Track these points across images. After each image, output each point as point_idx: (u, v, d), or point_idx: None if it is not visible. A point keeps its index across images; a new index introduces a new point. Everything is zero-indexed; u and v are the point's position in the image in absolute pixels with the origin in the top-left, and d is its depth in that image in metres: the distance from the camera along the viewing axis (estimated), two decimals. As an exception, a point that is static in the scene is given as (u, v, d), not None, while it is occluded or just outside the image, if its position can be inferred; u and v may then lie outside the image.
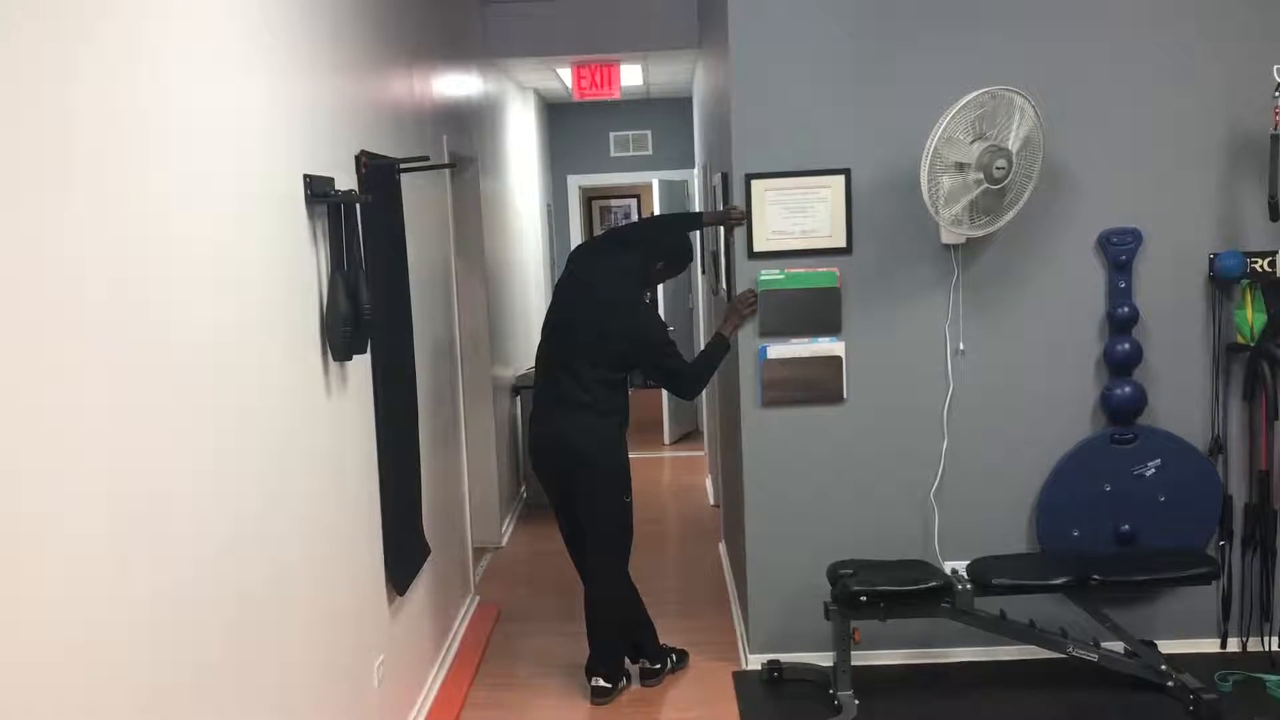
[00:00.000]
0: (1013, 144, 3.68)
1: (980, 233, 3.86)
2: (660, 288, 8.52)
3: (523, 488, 7.11)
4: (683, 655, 4.39)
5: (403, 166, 3.72)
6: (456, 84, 5.25)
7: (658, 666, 4.26)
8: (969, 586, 3.84)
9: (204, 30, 2.31)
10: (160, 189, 2.08)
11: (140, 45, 2.03)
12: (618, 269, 4.11)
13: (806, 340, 4.13)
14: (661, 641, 4.33)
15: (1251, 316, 4.00)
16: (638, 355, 4.05)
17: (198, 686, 2.16)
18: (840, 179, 4.05)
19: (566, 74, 7.45)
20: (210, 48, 2.34)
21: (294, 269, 2.78)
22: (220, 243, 2.34)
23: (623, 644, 4.19)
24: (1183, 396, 4.10)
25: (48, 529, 1.68)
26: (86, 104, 1.83)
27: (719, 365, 4.16)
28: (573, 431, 4.00)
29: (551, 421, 4.06)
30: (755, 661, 4.26)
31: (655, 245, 4.19)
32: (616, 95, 7.35)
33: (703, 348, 4.25)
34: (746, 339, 4.16)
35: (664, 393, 8.61)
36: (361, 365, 3.30)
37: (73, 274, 1.76)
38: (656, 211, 8.55)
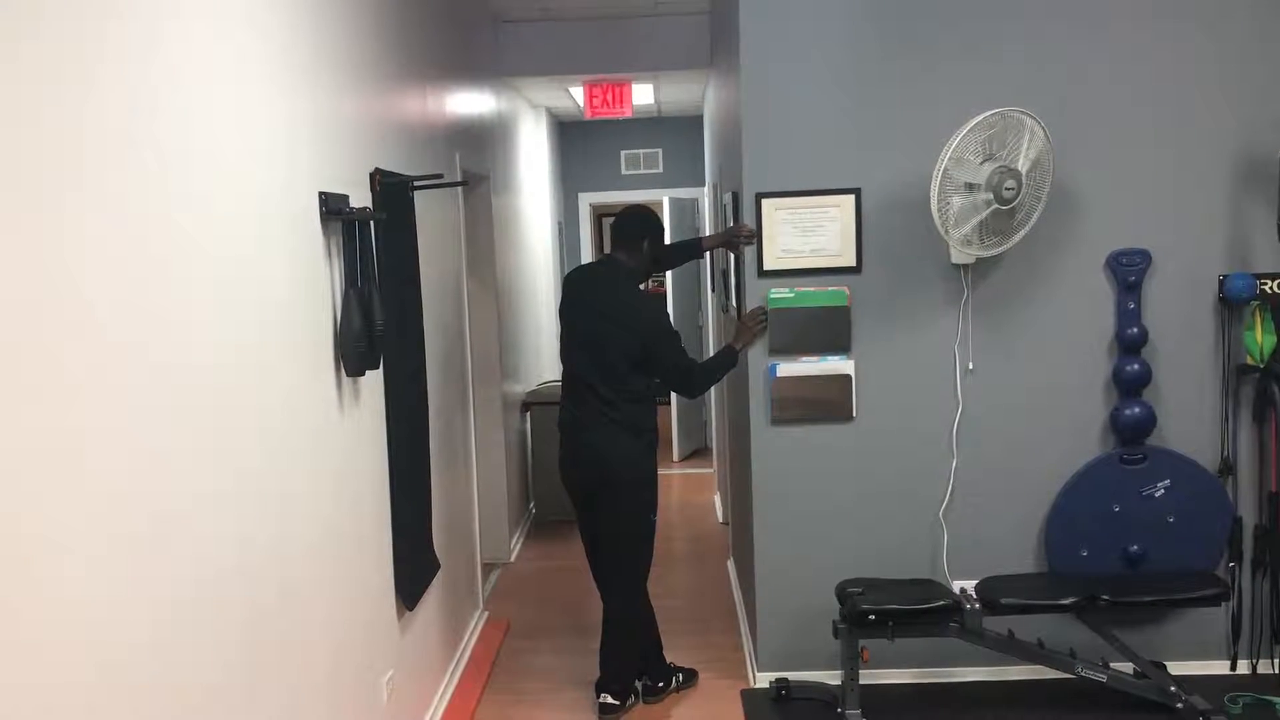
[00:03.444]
0: (1022, 165, 3.70)
1: (990, 253, 3.87)
2: (669, 305, 8.55)
3: (531, 503, 7.12)
4: (691, 675, 4.38)
5: (416, 184, 3.75)
6: (469, 102, 5.29)
7: (661, 684, 4.26)
8: (977, 606, 3.84)
9: (223, 48, 2.35)
10: (177, 205, 2.10)
11: (158, 63, 2.06)
12: (620, 273, 4.14)
13: (816, 359, 4.14)
14: (669, 660, 4.34)
15: (1261, 338, 4.00)
16: (652, 347, 4.01)
17: (208, 700, 2.18)
18: (850, 198, 4.07)
19: (578, 92, 7.50)
20: (229, 65, 2.37)
21: (309, 285, 2.81)
22: (236, 258, 2.37)
23: (635, 662, 4.19)
24: (1192, 417, 4.10)
25: (57, 542, 1.69)
26: (105, 119, 1.85)
27: (725, 373, 4.21)
28: (607, 450, 4.02)
29: (587, 438, 4.07)
30: (763, 679, 4.26)
31: (632, 233, 4.17)
32: (628, 114, 7.39)
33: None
34: (756, 357, 4.17)
35: (673, 409, 8.62)
36: (374, 381, 3.32)
37: (89, 287, 1.79)
38: (666, 228, 8.57)
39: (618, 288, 4.11)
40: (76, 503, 1.73)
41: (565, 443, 4.19)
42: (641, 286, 4.28)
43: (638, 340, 4.00)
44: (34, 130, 1.65)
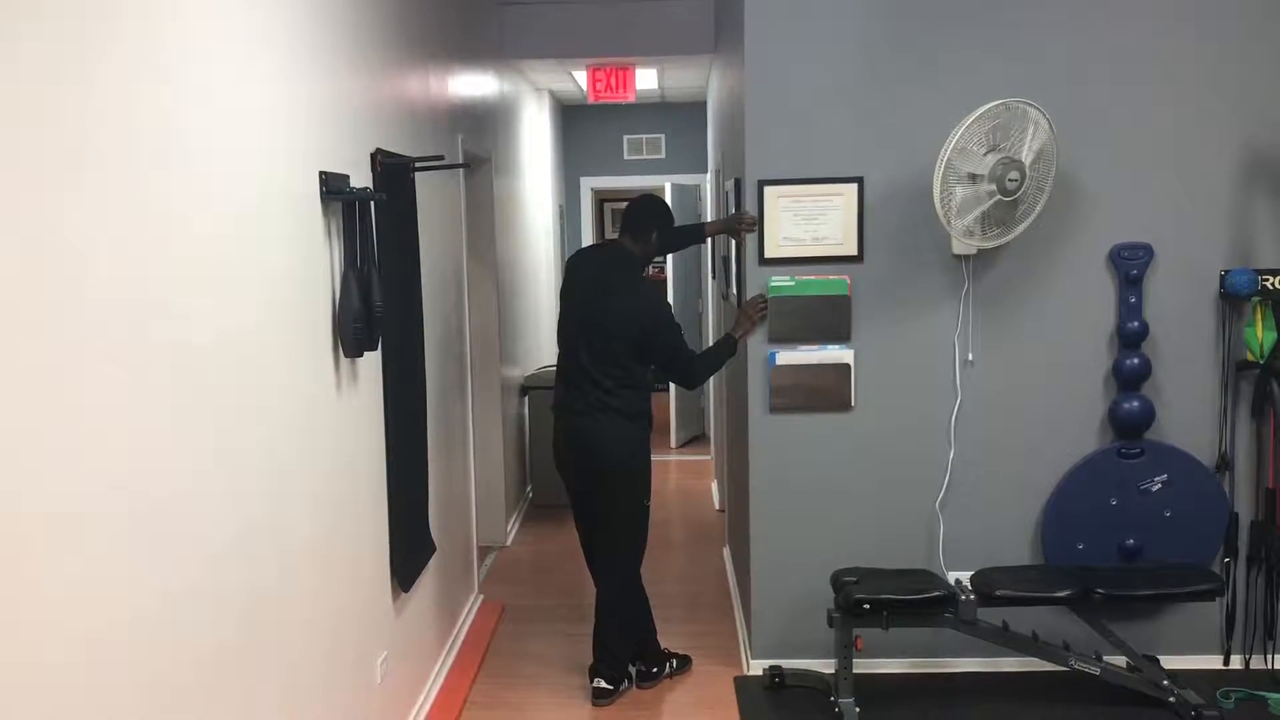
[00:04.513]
0: (1026, 156, 3.69)
1: (992, 244, 3.86)
2: (669, 293, 8.54)
3: (528, 487, 7.12)
4: (684, 660, 4.39)
5: (417, 165, 3.73)
6: (472, 84, 5.27)
7: (655, 670, 4.26)
8: (972, 597, 3.85)
9: (224, 27, 2.33)
10: (176, 184, 2.09)
11: (161, 41, 2.05)
12: (622, 260, 4.13)
13: (816, 347, 4.14)
14: (663, 646, 4.34)
15: (1261, 334, 3.99)
16: (651, 338, 4.02)
17: (205, 681, 2.18)
18: (853, 187, 4.06)
19: (582, 76, 7.47)
20: (230, 44, 2.36)
21: (308, 265, 2.80)
22: (236, 238, 2.36)
23: (628, 647, 4.20)
24: (1191, 412, 4.09)
25: (56, 528, 1.69)
26: (107, 100, 1.84)
27: (723, 363, 4.20)
28: (600, 432, 4.02)
29: (580, 422, 4.07)
30: (757, 667, 4.26)
31: (644, 223, 4.16)
32: (631, 98, 7.36)
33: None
34: (755, 345, 4.17)
35: (671, 396, 8.62)
36: (372, 362, 3.31)
37: (88, 270, 1.78)
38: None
39: (621, 275, 4.10)
40: (75, 484, 1.73)
41: (559, 427, 4.19)
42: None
43: (637, 330, 3.99)
44: (34, 112, 1.64)
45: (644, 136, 9.80)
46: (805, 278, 4.11)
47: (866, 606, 3.77)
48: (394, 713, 3.56)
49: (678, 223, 4.42)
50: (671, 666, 4.33)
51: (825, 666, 4.10)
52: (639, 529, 4.14)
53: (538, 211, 7.92)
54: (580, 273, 4.20)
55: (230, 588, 2.30)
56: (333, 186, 2.91)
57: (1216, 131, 3.98)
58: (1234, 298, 4.00)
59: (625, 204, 4.27)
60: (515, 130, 6.86)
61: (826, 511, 4.20)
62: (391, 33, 3.66)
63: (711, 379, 7.24)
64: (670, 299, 8.68)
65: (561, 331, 4.20)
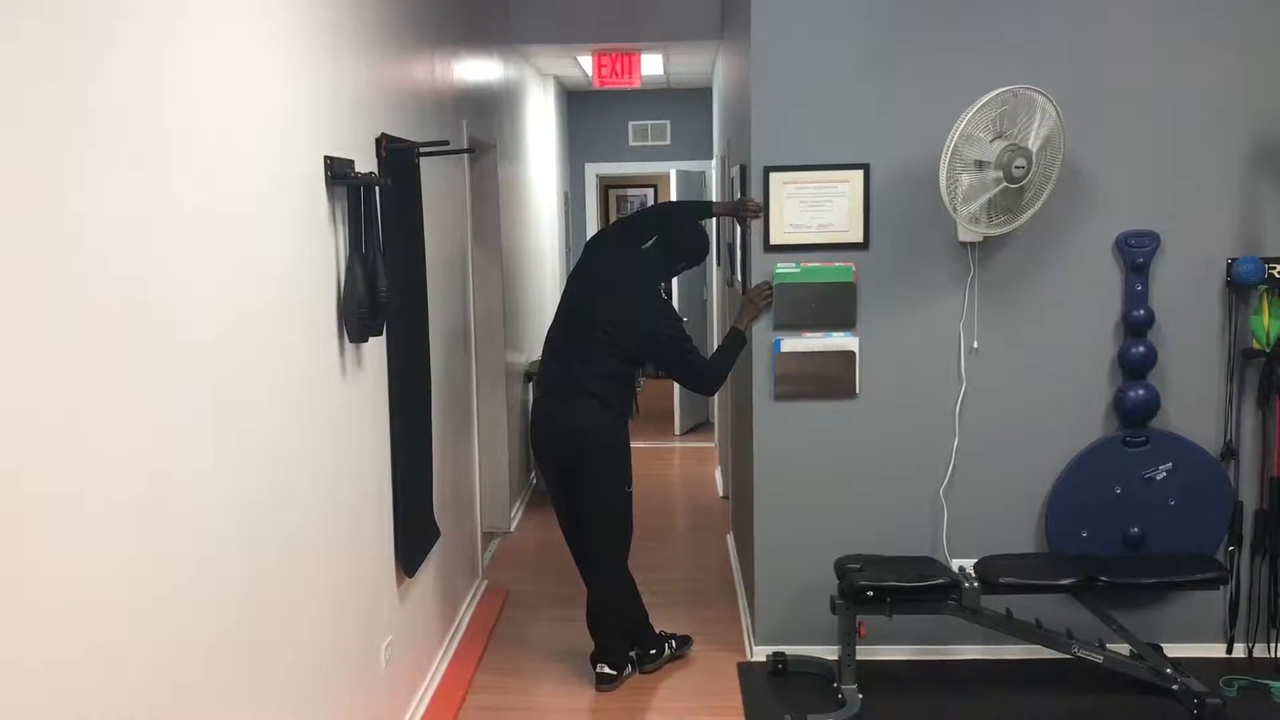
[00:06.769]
0: (1033, 143, 3.67)
1: (998, 231, 3.85)
2: (674, 281, 8.53)
3: (533, 474, 7.13)
4: (684, 641, 4.40)
5: (422, 150, 3.72)
6: (477, 69, 5.25)
7: (653, 653, 4.27)
8: (976, 584, 3.85)
9: (227, 12, 2.32)
10: (178, 167, 2.09)
11: (163, 26, 2.04)
12: (637, 264, 4.11)
13: (821, 335, 4.13)
14: (661, 630, 4.35)
15: (1268, 322, 3.98)
16: (653, 351, 4.05)
17: (210, 668, 2.18)
18: (859, 174, 4.04)
19: (587, 62, 7.45)
20: (234, 28, 2.35)
21: (313, 250, 2.79)
22: (241, 224, 2.35)
23: (627, 634, 4.21)
24: (1196, 401, 4.09)
25: (56, 507, 1.69)
26: (109, 85, 1.84)
27: (736, 357, 4.17)
28: (577, 419, 4.01)
29: (557, 408, 4.07)
30: (760, 653, 4.27)
31: (676, 245, 4.19)
32: (637, 84, 7.34)
33: (719, 343, 4.25)
34: (760, 332, 4.16)
35: (675, 383, 8.61)
36: (377, 348, 3.31)
37: (91, 256, 1.78)
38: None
39: (635, 283, 4.08)
40: (76, 468, 1.73)
41: (539, 412, 4.17)
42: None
43: (636, 341, 4.00)
44: (34, 102, 1.63)
45: (649, 123, 9.77)
46: (811, 265, 4.10)
47: (870, 593, 3.77)
48: (398, 697, 3.57)
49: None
50: (671, 647, 4.33)
51: (828, 653, 4.11)
52: (624, 517, 4.13)
53: (542, 198, 7.91)
54: (596, 263, 4.16)
55: (234, 574, 2.31)
56: (337, 171, 2.90)
57: (1224, 119, 3.96)
58: (1241, 286, 3.99)
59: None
60: (520, 116, 6.84)
61: (830, 498, 4.20)
62: (396, 17, 3.65)
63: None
64: (675, 286, 8.68)
65: (560, 312, 4.19)
